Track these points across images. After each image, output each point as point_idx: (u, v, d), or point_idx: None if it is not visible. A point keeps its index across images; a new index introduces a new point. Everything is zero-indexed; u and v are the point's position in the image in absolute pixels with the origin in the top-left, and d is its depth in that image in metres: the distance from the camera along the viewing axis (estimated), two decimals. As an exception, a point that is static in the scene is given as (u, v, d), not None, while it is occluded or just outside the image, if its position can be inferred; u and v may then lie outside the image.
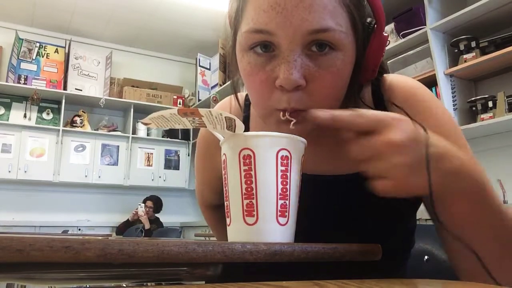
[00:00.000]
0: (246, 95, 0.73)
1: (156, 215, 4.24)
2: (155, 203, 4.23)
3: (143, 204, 4.11)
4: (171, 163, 4.91)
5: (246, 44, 0.55)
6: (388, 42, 0.60)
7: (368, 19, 0.57)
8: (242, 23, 0.55)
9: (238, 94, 0.71)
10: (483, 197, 0.48)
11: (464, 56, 2.31)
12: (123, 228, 4.12)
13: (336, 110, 0.47)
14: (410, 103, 0.61)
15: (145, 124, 0.47)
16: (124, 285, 0.40)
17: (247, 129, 0.72)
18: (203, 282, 0.41)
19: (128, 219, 4.21)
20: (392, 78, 0.66)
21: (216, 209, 0.85)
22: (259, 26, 0.52)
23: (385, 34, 0.58)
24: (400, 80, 0.65)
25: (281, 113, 0.54)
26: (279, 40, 0.52)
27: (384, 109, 0.63)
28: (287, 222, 0.48)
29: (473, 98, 2.33)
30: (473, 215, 0.49)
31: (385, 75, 0.66)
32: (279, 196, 0.47)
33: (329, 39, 0.52)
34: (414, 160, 0.43)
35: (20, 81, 4.35)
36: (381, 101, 0.64)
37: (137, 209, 4.09)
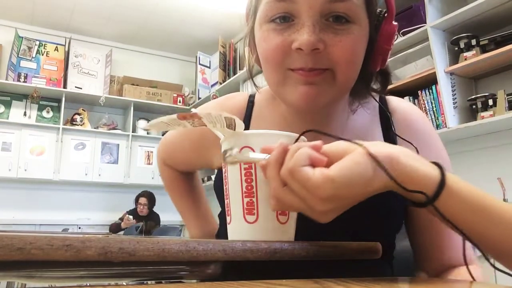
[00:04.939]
0: (250, 95, 0.74)
1: (155, 210, 4.16)
2: (149, 199, 4.13)
3: (131, 217, 3.99)
4: (171, 162, 4.89)
5: (267, 16, 0.57)
6: (396, 36, 0.65)
7: (378, 9, 0.61)
8: None
9: (243, 93, 0.75)
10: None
11: (464, 54, 2.30)
12: (114, 230, 4.01)
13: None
14: (410, 131, 0.67)
15: (146, 129, 0.47)
16: (125, 284, 0.40)
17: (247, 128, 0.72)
18: (197, 280, 0.41)
19: (120, 224, 4.08)
20: (396, 102, 0.70)
21: (175, 169, 0.89)
22: None
23: (394, 23, 0.61)
24: (402, 105, 0.70)
25: (299, 71, 0.55)
26: (300, 7, 0.54)
27: (390, 128, 0.67)
28: (287, 220, 0.48)
29: (473, 96, 2.32)
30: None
31: (387, 97, 0.70)
32: (279, 195, 0.47)
33: (346, 11, 0.55)
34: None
35: (20, 79, 4.34)
36: (388, 120, 0.67)
37: (128, 218, 3.98)
